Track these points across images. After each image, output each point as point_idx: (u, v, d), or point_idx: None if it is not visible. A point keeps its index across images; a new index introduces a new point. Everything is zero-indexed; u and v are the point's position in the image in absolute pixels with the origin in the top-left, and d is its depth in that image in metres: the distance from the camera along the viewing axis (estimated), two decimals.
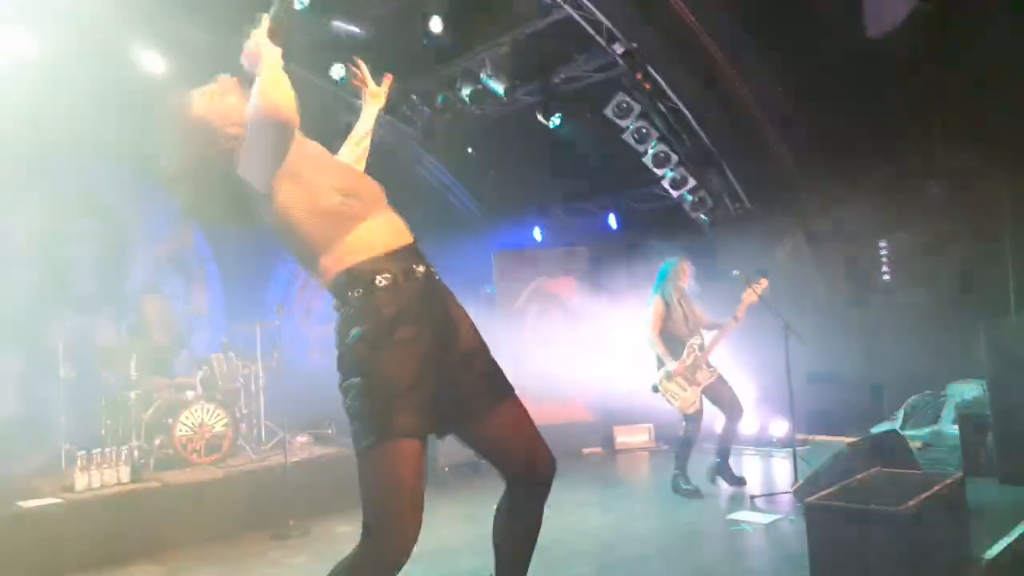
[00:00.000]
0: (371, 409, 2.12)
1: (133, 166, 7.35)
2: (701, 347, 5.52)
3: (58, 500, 4.96)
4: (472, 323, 2.41)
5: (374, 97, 2.88)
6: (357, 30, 7.03)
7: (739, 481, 5.65)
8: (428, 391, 2.16)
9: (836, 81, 6.25)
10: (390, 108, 8.04)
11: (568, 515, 5.13)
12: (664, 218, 8.19)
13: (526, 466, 2.38)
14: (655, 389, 5.54)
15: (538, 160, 8.45)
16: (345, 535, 4.73)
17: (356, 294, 2.19)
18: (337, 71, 7.41)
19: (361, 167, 2.74)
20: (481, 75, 7.42)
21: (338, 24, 6.93)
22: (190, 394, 6.00)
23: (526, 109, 7.84)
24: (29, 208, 6.86)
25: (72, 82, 6.08)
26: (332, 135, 7.91)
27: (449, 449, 6.69)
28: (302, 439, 6.54)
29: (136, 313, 6.67)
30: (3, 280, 6.53)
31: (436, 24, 6.92)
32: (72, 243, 7.22)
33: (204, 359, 6.45)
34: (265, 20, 2.21)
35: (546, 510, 2.46)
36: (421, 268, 2.28)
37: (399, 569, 2.15)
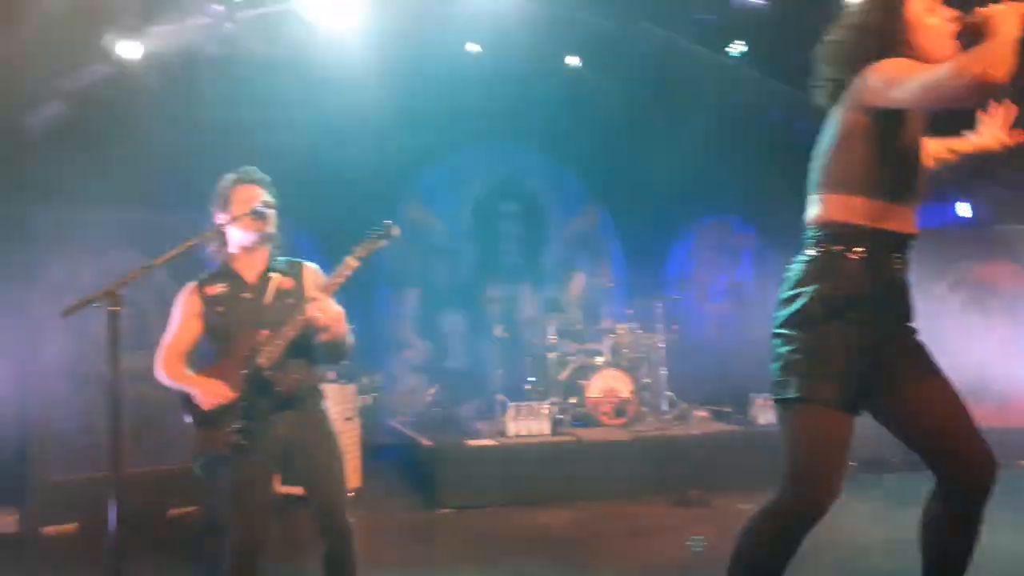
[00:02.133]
0: (805, 368, 2.14)
1: (550, 154, 8.17)
2: None
3: (493, 443, 5.78)
4: (911, 311, 2.31)
5: (994, 140, 2.45)
6: (762, 1, 6.81)
7: None
8: (860, 370, 2.14)
9: None
10: (793, 79, 7.65)
11: (1003, 536, 4.48)
12: None
13: (956, 461, 2.17)
14: None
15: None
16: (747, 513, 4.73)
17: (833, 251, 2.19)
18: (736, 47, 7.24)
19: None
20: None
21: None
22: (599, 360, 6.49)
23: None
24: (471, 191, 8.05)
25: (507, 83, 6.91)
26: (724, 110, 7.74)
27: (856, 445, 6.28)
28: (701, 413, 6.66)
29: (556, 283, 7.40)
30: (455, 252, 7.78)
31: None
32: (501, 221, 8.27)
33: (611, 328, 6.90)
34: None
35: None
36: (899, 264, 2.23)
37: (813, 523, 2.14)
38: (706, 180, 8.02)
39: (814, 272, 2.20)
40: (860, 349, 2.15)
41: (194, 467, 2.77)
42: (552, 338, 6.61)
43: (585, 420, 6.18)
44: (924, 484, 2.28)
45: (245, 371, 2.72)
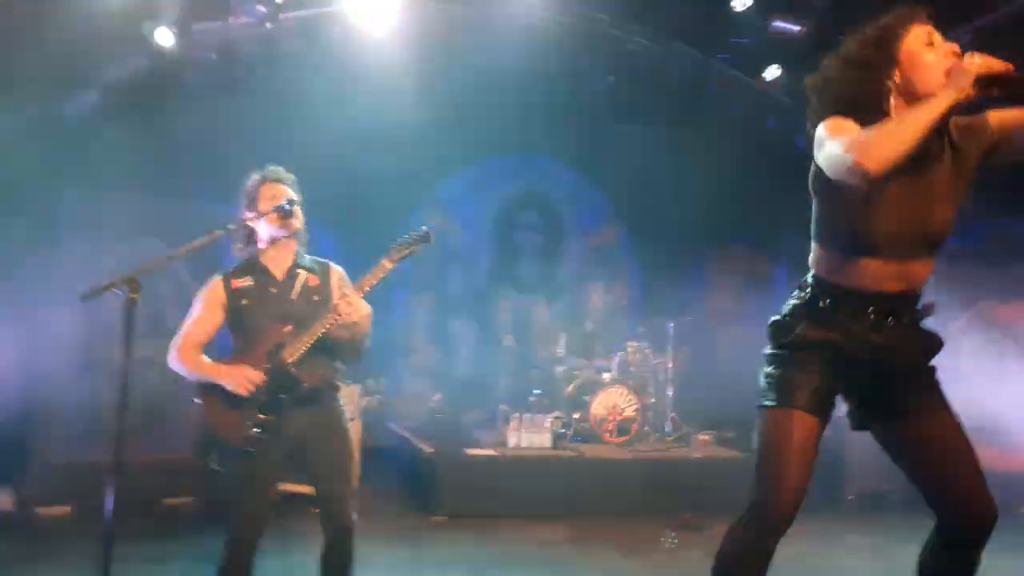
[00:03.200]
0: (771, 380, 2.27)
1: (575, 168, 8.21)
2: None
3: (494, 453, 5.80)
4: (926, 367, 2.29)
5: None
6: (796, 28, 6.83)
7: None
8: (830, 389, 2.24)
9: None
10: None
11: None
12: None
13: (956, 503, 2.18)
14: None
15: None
16: None
17: (802, 294, 2.28)
18: (771, 72, 7.28)
19: None
20: None
21: (777, 24, 6.79)
22: (607, 376, 6.50)
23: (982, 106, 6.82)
24: (494, 200, 8.10)
25: (537, 95, 6.95)
26: (758, 135, 7.77)
27: (856, 477, 6.29)
28: (704, 437, 6.65)
29: (571, 297, 7.43)
30: (468, 261, 7.83)
31: None
32: (521, 232, 8.30)
33: (621, 346, 6.92)
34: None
35: None
36: (872, 317, 2.16)
37: (777, 533, 2.16)
38: (729, 205, 8.03)
39: (790, 306, 2.31)
40: (821, 373, 2.22)
41: (209, 459, 2.81)
42: (561, 351, 6.63)
43: (587, 436, 6.19)
44: (922, 520, 2.30)
45: (269, 366, 2.77)
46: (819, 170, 2.12)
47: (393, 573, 4.18)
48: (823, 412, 2.24)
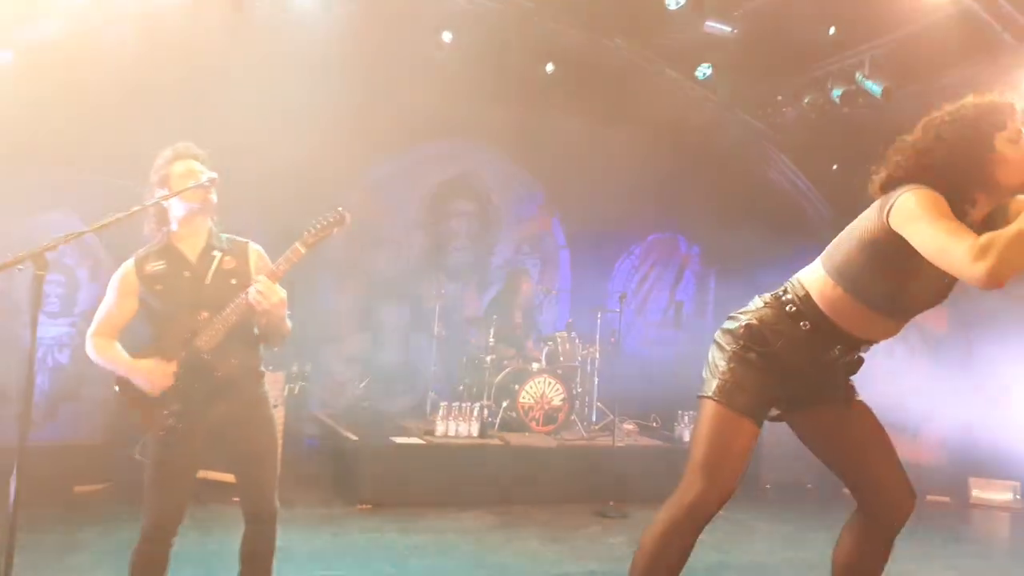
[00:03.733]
0: (727, 375, 2.30)
1: (507, 152, 8.18)
2: None
3: (421, 441, 5.76)
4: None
5: None
6: (729, 29, 6.99)
7: None
8: (774, 395, 2.32)
9: None
10: (748, 107, 7.88)
11: (906, 564, 4.68)
12: None
13: (878, 492, 2.31)
14: None
15: None
16: None
17: (790, 312, 2.29)
18: (702, 70, 7.45)
19: None
20: (857, 75, 6.93)
21: (710, 24, 6.94)
22: (535, 366, 6.53)
23: (900, 114, 7.11)
24: (422, 187, 8.00)
25: (474, 82, 6.90)
26: (693, 130, 7.88)
27: (773, 467, 6.51)
28: (628, 426, 6.77)
29: (501, 286, 7.41)
30: (401, 244, 7.72)
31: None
32: (453, 219, 8.24)
33: (550, 336, 6.96)
34: None
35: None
36: (836, 352, 2.29)
37: (705, 521, 2.26)
38: (659, 197, 8.17)
39: (765, 313, 2.33)
40: (773, 384, 2.30)
41: (135, 449, 2.71)
42: (490, 340, 6.63)
43: (514, 424, 6.21)
44: (834, 510, 2.40)
45: (184, 354, 2.68)
46: (892, 236, 2.07)
47: (316, 562, 4.10)
48: (763, 420, 2.34)
